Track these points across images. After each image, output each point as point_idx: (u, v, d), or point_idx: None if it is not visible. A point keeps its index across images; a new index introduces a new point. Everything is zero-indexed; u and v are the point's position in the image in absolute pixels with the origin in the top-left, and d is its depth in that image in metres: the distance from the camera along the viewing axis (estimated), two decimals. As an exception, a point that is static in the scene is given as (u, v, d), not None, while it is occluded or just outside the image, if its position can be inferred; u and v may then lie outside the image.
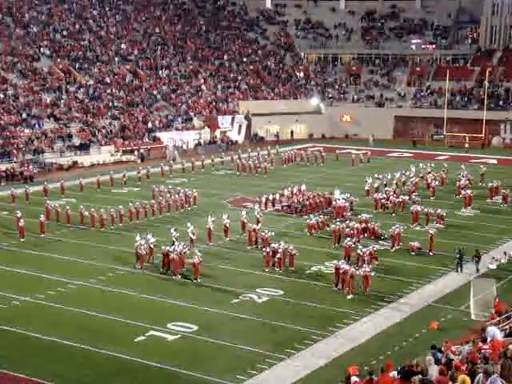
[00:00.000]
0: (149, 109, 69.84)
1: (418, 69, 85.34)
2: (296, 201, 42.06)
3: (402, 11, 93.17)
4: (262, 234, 33.79)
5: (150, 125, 66.97)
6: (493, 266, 30.94)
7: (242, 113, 74.94)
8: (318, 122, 79.33)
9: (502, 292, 26.78)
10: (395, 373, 15.78)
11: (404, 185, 47.80)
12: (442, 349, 17.22)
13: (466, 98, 77.59)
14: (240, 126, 73.95)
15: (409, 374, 15.04)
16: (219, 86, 78.84)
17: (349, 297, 27.18)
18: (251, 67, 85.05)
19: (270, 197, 42.95)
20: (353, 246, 31.83)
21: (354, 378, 15.99)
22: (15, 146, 56.03)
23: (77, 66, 71.10)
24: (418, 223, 38.50)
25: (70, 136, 60.59)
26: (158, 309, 26.11)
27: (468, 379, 13.79)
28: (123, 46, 78.34)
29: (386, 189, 44.58)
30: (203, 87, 77.69)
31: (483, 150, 68.98)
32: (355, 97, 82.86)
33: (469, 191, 44.42)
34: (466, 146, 69.90)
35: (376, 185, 46.16)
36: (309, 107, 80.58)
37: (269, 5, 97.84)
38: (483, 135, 70.63)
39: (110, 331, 23.98)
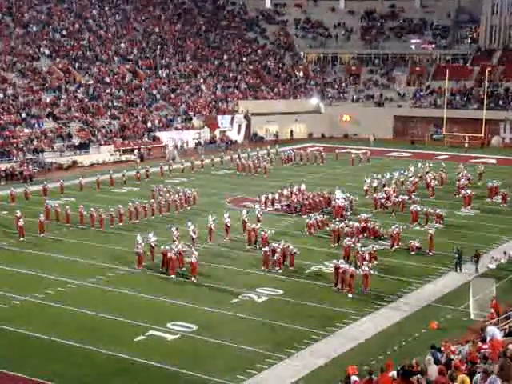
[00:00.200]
0: (148, 108, 69.85)
1: (418, 68, 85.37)
2: (295, 200, 42.08)
3: (402, 11, 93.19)
4: (262, 232, 33.81)
5: (149, 124, 66.97)
6: (492, 266, 30.97)
7: (241, 112, 74.96)
8: (317, 121, 79.34)
9: (501, 292, 26.77)
10: (395, 372, 15.79)
11: (402, 184, 47.82)
12: (442, 349, 17.24)
13: (465, 98, 77.60)
14: (239, 126, 73.96)
15: (408, 373, 15.07)
16: (219, 86, 78.85)
17: (349, 295, 27.19)
18: (251, 67, 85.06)
19: (270, 196, 42.98)
20: (352, 245, 31.85)
21: (353, 378, 16.00)
22: (15, 145, 56.03)
23: (76, 65, 71.10)
24: (417, 223, 38.54)
25: (69, 135, 60.58)
26: (158, 308, 26.12)
27: (467, 379, 13.83)
28: (123, 45, 78.34)
29: (386, 188, 44.58)
30: (203, 87, 77.69)
31: (483, 150, 69.01)
32: (355, 96, 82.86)
33: (468, 191, 44.45)
34: (466, 145, 69.94)
35: (374, 185, 46.18)
36: (308, 107, 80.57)
37: (268, 4, 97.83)
38: (483, 135, 70.65)
39: (110, 331, 24.00)
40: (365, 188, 45.94)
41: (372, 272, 28.21)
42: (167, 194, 43.32)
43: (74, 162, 58.01)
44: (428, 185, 47.23)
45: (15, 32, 71.64)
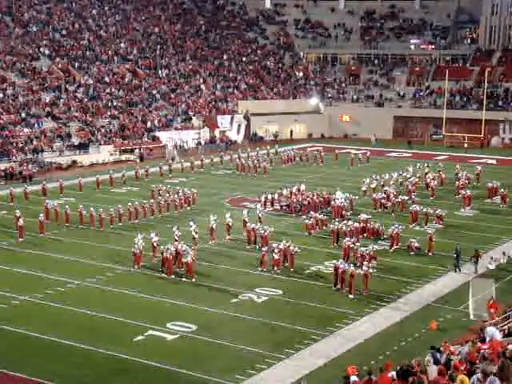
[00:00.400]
0: (148, 108, 69.86)
1: (418, 69, 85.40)
2: (295, 200, 42.08)
3: (402, 11, 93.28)
4: (261, 231, 33.81)
5: (149, 124, 66.98)
6: (492, 266, 30.99)
7: (241, 112, 74.96)
8: (317, 121, 79.33)
9: (500, 292, 26.80)
10: (394, 373, 15.80)
11: (401, 185, 47.81)
12: (441, 349, 17.25)
13: (465, 98, 77.60)
14: (239, 126, 73.96)
15: (408, 374, 15.08)
16: (218, 86, 78.88)
17: (350, 296, 27.19)
18: (250, 67, 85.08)
19: (269, 196, 42.99)
20: (351, 245, 31.85)
21: (353, 378, 16.01)
22: (14, 145, 56.05)
23: (76, 65, 71.11)
24: (417, 223, 38.55)
25: (69, 135, 60.59)
26: (158, 308, 26.12)
27: (467, 379, 13.84)
28: (122, 45, 78.35)
29: (386, 189, 44.57)
30: (202, 87, 77.70)
31: (482, 150, 69.02)
32: (354, 97, 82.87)
33: (468, 191, 44.46)
34: (465, 146, 69.95)
35: (373, 185, 46.16)
36: (308, 107, 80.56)
37: (268, 4, 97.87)
38: (482, 135, 70.65)
39: (110, 331, 24.00)
40: (363, 189, 45.91)
41: (371, 271, 28.20)
42: (167, 194, 43.33)
43: (74, 162, 58.00)
44: (428, 185, 47.24)
45: (15, 32, 71.68)
